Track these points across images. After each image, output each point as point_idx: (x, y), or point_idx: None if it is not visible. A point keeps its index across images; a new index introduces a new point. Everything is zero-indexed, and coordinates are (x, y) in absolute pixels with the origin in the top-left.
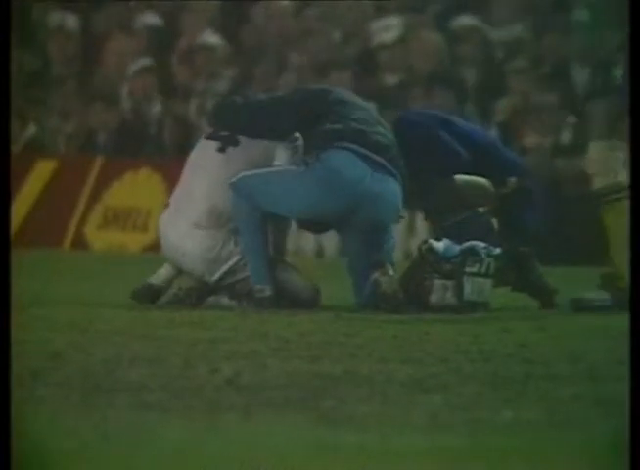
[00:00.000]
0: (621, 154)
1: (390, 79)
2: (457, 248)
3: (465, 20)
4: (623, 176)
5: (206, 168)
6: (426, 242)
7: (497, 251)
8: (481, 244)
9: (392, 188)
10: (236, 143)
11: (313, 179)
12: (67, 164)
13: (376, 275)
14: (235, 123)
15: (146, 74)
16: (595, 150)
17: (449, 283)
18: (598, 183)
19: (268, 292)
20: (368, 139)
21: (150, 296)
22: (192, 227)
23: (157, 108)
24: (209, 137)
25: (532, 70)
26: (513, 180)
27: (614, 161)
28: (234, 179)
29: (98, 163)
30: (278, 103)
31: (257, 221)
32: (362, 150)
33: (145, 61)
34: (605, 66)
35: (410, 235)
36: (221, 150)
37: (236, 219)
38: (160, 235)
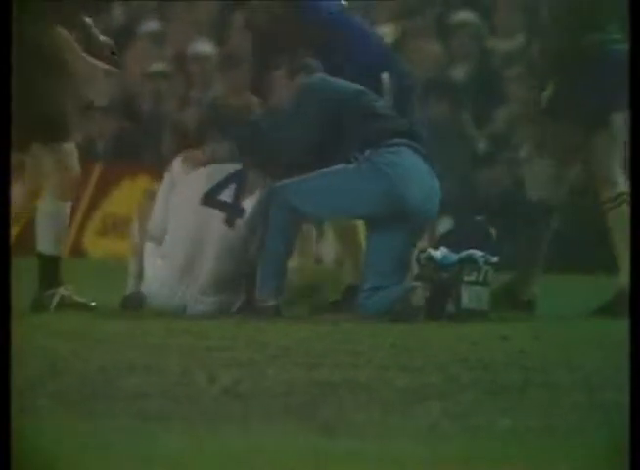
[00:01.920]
0: (553, 171)
1: None
2: (455, 256)
3: (461, 15)
4: (557, 194)
5: (211, 242)
6: (424, 250)
7: (495, 259)
8: (479, 252)
9: (437, 184)
10: (241, 213)
11: (375, 177)
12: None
13: (417, 284)
14: (259, 154)
15: (150, 81)
16: (533, 168)
17: (447, 291)
18: (534, 197)
19: (271, 303)
20: (410, 132)
21: (138, 303)
22: (197, 294)
23: (155, 115)
24: (208, 204)
25: (530, 77)
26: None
27: (546, 177)
28: (273, 187)
29: (96, 170)
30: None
31: (292, 231)
32: (413, 144)
33: (158, 66)
34: None
35: None
36: (229, 223)
37: (270, 226)
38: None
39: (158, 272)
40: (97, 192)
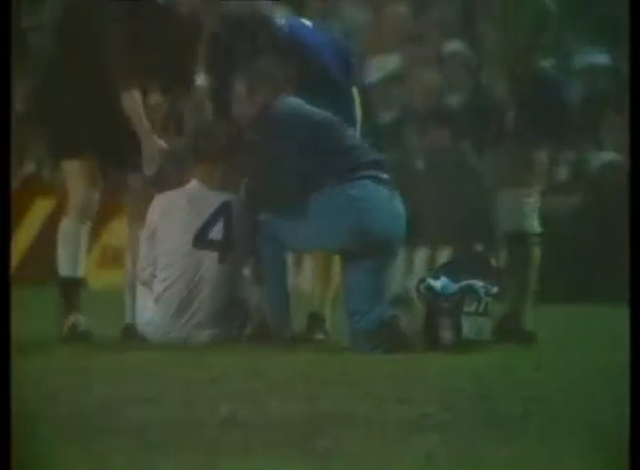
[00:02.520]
0: (528, 200)
1: (386, 116)
2: (455, 286)
3: (452, 46)
4: (530, 224)
5: (206, 281)
6: (424, 280)
7: (495, 290)
8: (480, 283)
9: (401, 205)
10: (232, 248)
11: (342, 213)
12: (66, 201)
13: (396, 312)
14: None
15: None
16: (502, 199)
17: (447, 322)
18: (504, 228)
19: (289, 334)
20: (374, 161)
21: (138, 333)
22: (194, 329)
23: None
24: (200, 246)
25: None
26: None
27: (519, 209)
28: (259, 219)
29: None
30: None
31: (282, 262)
32: (376, 173)
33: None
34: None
35: (408, 273)
36: (221, 260)
37: (261, 260)
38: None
39: (151, 316)
40: (97, 222)
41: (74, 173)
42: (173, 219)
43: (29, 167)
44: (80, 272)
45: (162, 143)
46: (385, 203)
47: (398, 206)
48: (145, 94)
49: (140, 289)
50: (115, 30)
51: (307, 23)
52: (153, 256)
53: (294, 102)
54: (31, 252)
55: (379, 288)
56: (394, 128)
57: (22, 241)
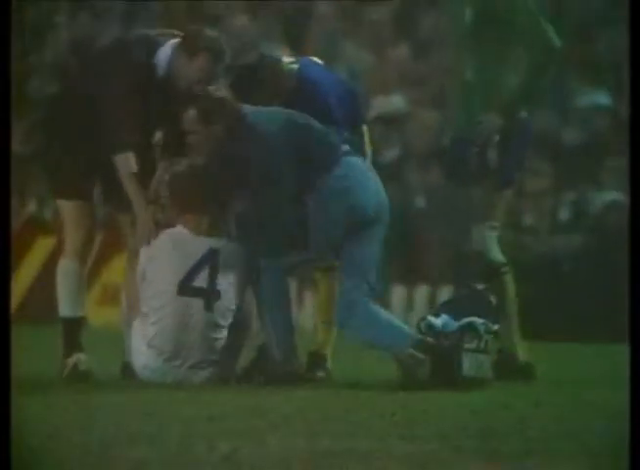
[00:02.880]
0: (493, 233)
1: (387, 154)
2: (455, 324)
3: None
4: (497, 255)
5: (195, 327)
6: (424, 318)
7: (496, 327)
8: (480, 320)
9: (373, 172)
10: (218, 296)
11: (338, 196)
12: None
13: (412, 351)
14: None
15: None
16: (476, 232)
17: (448, 359)
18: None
19: (297, 367)
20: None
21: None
22: (190, 371)
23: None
24: (185, 293)
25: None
26: None
27: (491, 242)
28: (256, 264)
29: (97, 239)
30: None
31: (285, 292)
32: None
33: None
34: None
35: (408, 311)
36: (208, 308)
37: (263, 295)
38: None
39: (146, 360)
40: (97, 261)
41: (70, 214)
42: (160, 263)
43: (31, 207)
44: (80, 312)
45: (156, 212)
46: (365, 174)
47: (373, 174)
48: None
49: (134, 329)
50: (112, 101)
51: (318, 61)
52: (144, 297)
53: (260, 111)
54: (32, 291)
55: (372, 268)
56: (395, 167)
57: (23, 280)
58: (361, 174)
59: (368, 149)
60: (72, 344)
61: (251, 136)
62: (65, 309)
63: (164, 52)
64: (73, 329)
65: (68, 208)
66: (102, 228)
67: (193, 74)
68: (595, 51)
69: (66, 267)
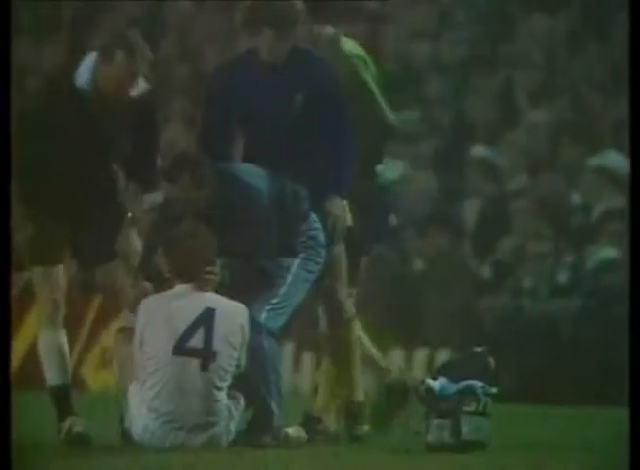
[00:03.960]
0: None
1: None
2: (454, 387)
3: (477, 150)
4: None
5: (191, 388)
6: (422, 381)
7: (494, 390)
8: (479, 383)
9: None
10: (214, 356)
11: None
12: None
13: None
14: None
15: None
16: None
17: (446, 422)
18: None
19: (286, 430)
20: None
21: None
22: (189, 434)
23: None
24: (180, 354)
25: (534, 211)
26: None
27: None
28: (258, 319)
29: (95, 302)
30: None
31: (278, 355)
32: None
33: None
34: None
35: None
36: (204, 368)
37: (264, 359)
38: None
39: (146, 423)
40: (96, 325)
41: (37, 280)
42: (158, 324)
43: (28, 273)
44: (67, 378)
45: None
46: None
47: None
48: None
49: (132, 394)
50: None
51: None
52: (141, 360)
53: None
54: (31, 355)
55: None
56: (394, 231)
57: (21, 345)
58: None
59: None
60: (64, 410)
61: (234, 188)
62: (51, 379)
63: (86, 63)
64: (63, 396)
65: (35, 274)
66: (99, 292)
67: (114, 75)
68: (595, 118)
69: (42, 337)
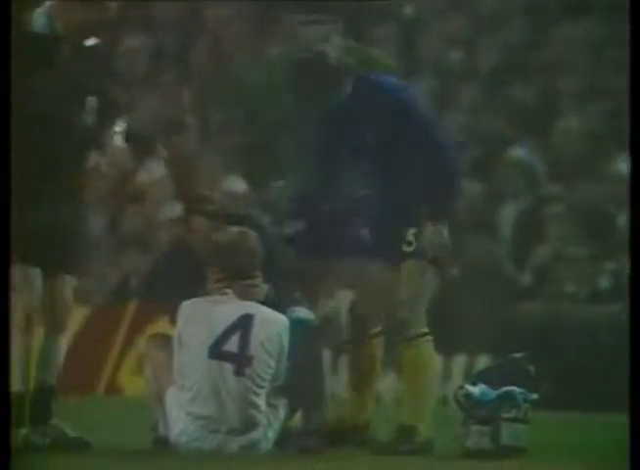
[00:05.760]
0: None
1: None
2: (493, 393)
3: (515, 152)
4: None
5: (229, 392)
6: (462, 387)
7: (534, 396)
8: (518, 389)
9: None
10: (250, 361)
11: None
12: (100, 310)
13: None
14: None
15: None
16: None
17: (486, 428)
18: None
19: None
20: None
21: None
22: (228, 436)
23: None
24: (214, 357)
25: (570, 216)
26: None
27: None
28: (286, 323)
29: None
30: None
31: (319, 359)
32: None
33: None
34: None
35: (446, 380)
36: (238, 373)
37: (296, 361)
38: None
39: (184, 426)
40: (132, 330)
41: (13, 279)
42: (196, 327)
43: None
44: (23, 386)
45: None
46: None
47: None
48: None
49: (169, 398)
50: None
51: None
52: (180, 362)
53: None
54: (66, 363)
55: None
56: None
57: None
58: None
59: None
60: (42, 413)
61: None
62: (12, 384)
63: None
64: (20, 403)
65: (16, 274)
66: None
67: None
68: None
69: (13, 340)
